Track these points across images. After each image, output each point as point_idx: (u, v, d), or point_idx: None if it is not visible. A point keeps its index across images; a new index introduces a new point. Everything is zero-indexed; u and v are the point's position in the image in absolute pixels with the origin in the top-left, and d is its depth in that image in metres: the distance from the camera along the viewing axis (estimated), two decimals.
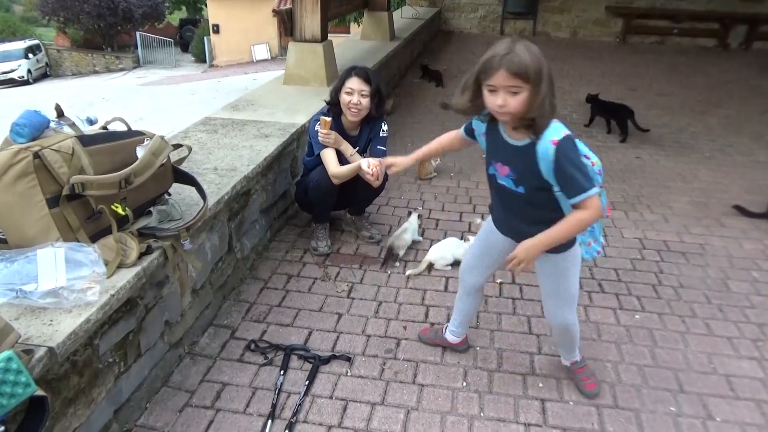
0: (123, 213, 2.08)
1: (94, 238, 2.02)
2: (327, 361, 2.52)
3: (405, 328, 2.76)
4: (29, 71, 25.42)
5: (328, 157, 3.11)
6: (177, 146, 2.43)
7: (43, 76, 26.74)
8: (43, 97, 19.86)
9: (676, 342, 2.71)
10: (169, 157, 2.33)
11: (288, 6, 4.54)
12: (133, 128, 2.32)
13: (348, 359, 2.54)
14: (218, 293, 2.85)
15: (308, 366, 2.49)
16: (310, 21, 4.51)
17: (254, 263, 3.24)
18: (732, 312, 2.95)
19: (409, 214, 3.62)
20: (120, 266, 2.03)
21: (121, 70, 27.27)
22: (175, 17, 35.77)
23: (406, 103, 6.66)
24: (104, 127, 2.31)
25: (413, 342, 2.66)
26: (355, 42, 7.19)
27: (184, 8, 37.28)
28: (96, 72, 27.21)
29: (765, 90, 7.95)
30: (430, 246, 3.34)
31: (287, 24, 4.52)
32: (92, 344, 1.90)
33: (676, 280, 3.22)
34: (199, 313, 2.66)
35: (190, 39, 30.23)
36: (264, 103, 4.15)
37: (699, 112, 6.76)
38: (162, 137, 2.28)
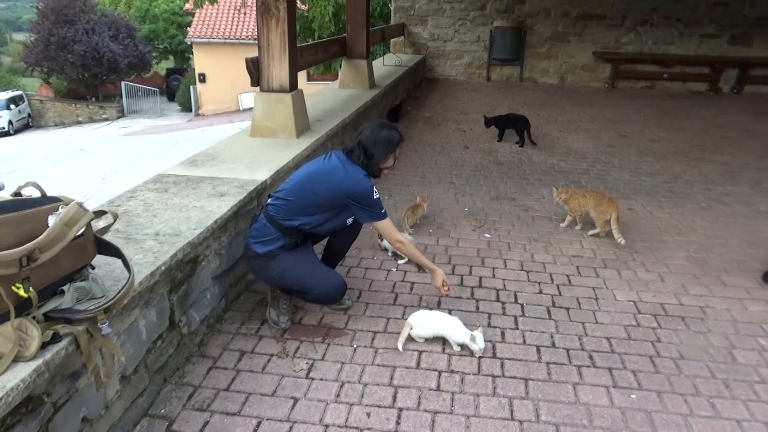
0: (25, 295, 1.75)
1: None
2: None
3: (368, 415, 2.39)
4: (10, 122, 25.18)
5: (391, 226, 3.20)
6: (100, 213, 2.11)
7: (25, 127, 26.49)
8: (22, 148, 19.65)
9: (679, 427, 2.37)
10: (90, 225, 2.01)
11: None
12: (53, 193, 2.01)
13: None
14: (157, 376, 2.49)
15: None
16: (278, 70, 4.25)
17: (204, 338, 2.88)
18: (740, 388, 2.61)
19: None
20: (17, 359, 1.69)
21: (105, 119, 27.12)
22: (163, 67, 35.90)
23: None
24: (17, 194, 2.01)
25: None
26: (333, 91, 6.98)
27: (171, 58, 37.54)
28: (79, 122, 27.05)
29: (760, 134, 7.77)
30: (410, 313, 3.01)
31: (253, 74, 4.24)
32: None
33: (676, 351, 2.89)
34: (131, 402, 2.29)
35: (177, 88, 30.24)
36: (226, 158, 3.85)
37: (693, 158, 6.54)
38: (80, 204, 1.96)
